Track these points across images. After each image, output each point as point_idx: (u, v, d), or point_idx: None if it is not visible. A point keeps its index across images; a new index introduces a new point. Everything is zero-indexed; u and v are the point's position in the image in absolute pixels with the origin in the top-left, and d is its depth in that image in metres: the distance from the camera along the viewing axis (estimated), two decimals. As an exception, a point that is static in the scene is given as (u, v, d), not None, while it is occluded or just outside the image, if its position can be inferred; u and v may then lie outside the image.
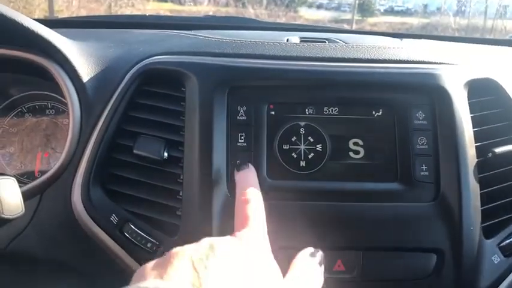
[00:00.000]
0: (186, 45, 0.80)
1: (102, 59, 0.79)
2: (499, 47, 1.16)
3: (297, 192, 0.70)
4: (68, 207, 0.71)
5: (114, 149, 0.73)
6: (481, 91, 0.77)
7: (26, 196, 0.71)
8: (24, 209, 0.56)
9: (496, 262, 0.71)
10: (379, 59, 0.76)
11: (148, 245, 0.68)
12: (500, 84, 0.77)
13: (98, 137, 0.72)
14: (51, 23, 1.23)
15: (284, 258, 0.68)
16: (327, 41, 0.89)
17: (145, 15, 1.46)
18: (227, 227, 0.67)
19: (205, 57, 0.75)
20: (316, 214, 0.69)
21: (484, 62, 0.85)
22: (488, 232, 0.72)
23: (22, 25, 0.70)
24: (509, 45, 1.18)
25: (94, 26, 1.12)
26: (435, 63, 0.77)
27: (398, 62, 0.76)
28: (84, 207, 0.70)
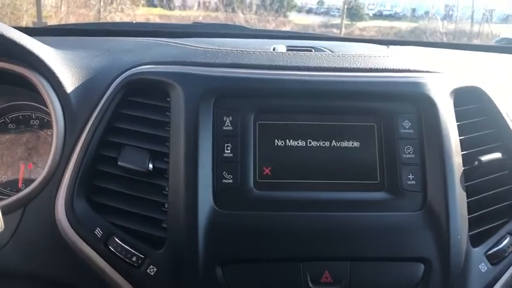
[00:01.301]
0: (171, 55, 0.79)
1: (87, 68, 0.78)
2: (486, 53, 1.17)
3: (284, 202, 0.70)
4: (51, 221, 0.70)
5: (98, 160, 0.72)
6: (466, 99, 0.77)
7: (8, 209, 0.70)
8: (3, 226, 0.54)
9: (483, 270, 0.71)
10: (365, 68, 0.76)
11: (134, 258, 0.67)
12: (485, 92, 0.78)
13: (82, 148, 0.71)
14: (37, 31, 1.22)
15: (272, 271, 0.69)
16: (313, 50, 0.89)
17: (132, 22, 1.45)
18: (213, 239, 0.67)
19: (190, 67, 0.74)
20: (303, 224, 0.69)
21: (470, 69, 0.86)
22: (475, 240, 0.72)
23: (3, 35, 0.69)
24: (495, 52, 1.19)
25: (81, 34, 1.11)
26: (421, 71, 0.77)
27: (384, 71, 0.76)
28: (68, 220, 0.69)
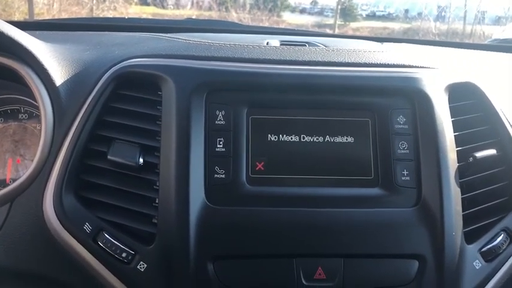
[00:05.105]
0: (163, 48, 0.78)
1: (77, 61, 0.77)
2: (478, 51, 1.17)
3: (277, 198, 0.69)
4: (39, 216, 0.68)
5: (87, 155, 0.70)
6: (461, 95, 0.77)
7: (-6, 205, 0.68)
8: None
9: (477, 268, 0.70)
10: (360, 63, 0.76)
11: (123, 254, 0.66)
12: (480, 89, 0.77)
13: (71, 142, 0.69)
14: (27, 25, 1.20)
15: (265, 267, 0.68)
16: (307, 45, 0.88)
17: (124, 17, 1.43)
18: (205, 235, 0.66)
19: (182, 60, 0.73)
20: (296, 220, 0.68)
21: (465, 66, 0.85)
22: (470, 237, 0.71)
23: None
24: (487, 50, 1.19)
25: (73, 29, 1.09)
26: (416, 66, 0.77)
27: (378, 66, 0.76)
28: (57, 215, 0.67)
